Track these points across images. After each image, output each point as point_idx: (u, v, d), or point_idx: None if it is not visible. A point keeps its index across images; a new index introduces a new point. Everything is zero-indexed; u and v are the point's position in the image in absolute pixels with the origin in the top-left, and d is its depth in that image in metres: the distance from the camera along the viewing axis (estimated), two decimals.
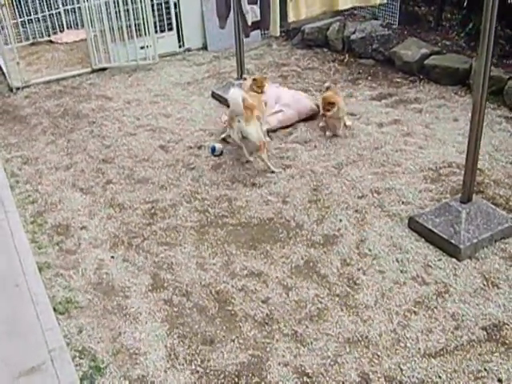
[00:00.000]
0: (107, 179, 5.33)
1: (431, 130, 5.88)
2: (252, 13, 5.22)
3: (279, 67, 7.93)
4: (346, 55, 8.16)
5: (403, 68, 7.39)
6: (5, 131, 6.46)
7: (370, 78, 7.40)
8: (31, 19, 9.30)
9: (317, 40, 8.63)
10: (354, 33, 8.21)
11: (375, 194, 4.85)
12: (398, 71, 7.42)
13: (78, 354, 3.35)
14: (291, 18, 4.97)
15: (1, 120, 6.77)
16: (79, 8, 8.45)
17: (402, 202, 4.73)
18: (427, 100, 6.60)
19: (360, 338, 3.45)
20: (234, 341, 3.44)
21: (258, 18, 5.26)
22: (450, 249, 4.11)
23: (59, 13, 9.48)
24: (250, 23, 5.30)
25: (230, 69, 7.85)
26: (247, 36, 5.70)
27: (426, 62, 7.14)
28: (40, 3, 9.24)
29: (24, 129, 6.50)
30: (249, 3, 5.34)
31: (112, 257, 4.24)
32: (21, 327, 3.42)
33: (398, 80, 7.24)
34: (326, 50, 8.45)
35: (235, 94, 5.01)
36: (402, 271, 3.98)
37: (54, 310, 3.65)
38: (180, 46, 8.56)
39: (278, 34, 5.34)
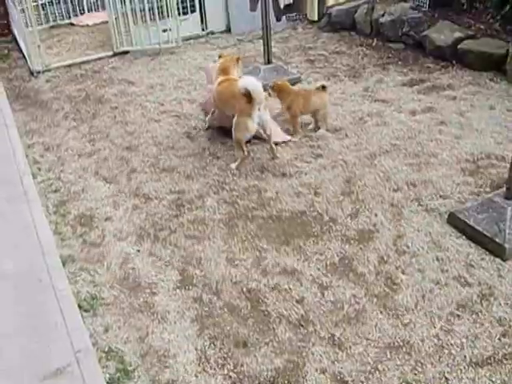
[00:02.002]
0: (131, 168, 5.15)
1: (466, 119, 5.61)
2: None
3: (305, 51, 7.66)
4: (375, 39, 7.86)
5: (435, 53, 7.08)
6: (26, 116, 6.31)
7: (400, 62, 7.12)
8: (52, 1, 9.13)
9: (344, 23, 8.32)
10: (382, 15, 7.89)
11: (411, 187, 4.61)
12: (429, 56, 7.13)
13: (104, 356, 3.19)
14: (330, 1, 4.70)
15: (22, 105, 6.63)
16: None
17: (440, 196, 4.48)
18: (461, 86, 6.30)
19: (401, 344, 3.24)
20: (268, 344, 3.26)
21: (291, 1, 4.97)
22: (493, 248, 3.86)
23: None
24: (282, 6, 5.02)
25: (254, 52, 7.60)
26: (279, 20, 5.44)
27: (459, 46, 6.83)
28: None
29: (45, 114, 6.34)
30: None
31: (138, 250, 4.07)
32: (45, 326, 3.27)
33: (430, 65, 6.94)
34: (353, 33, 8.15)
35: (255, 82, 4.72)
36: (442, 270, 3.76)
37: (79, 307, 3.49)
38: (203, 29, 8.34)
39: (317, 19, 5.07)
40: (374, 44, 7.74)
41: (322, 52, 7.58)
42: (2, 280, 3.63)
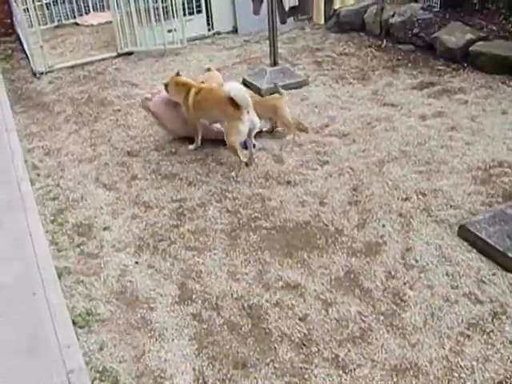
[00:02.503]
0: (132, 174, 5.03)
1: (478, 124, 5.43)
2: None
3: (313, 52, 7.50)
4: (384, 40, 7.70)
5: (446, 55, 6.90)
6: (27, 119, 6.21)
7: (409, 65, 6.94)
8: (56, 1, 9.03)
9: (353, 23, 8.15)
10: (392, 16, 7.72)
11: (420, 196, 4.45)
12: (440, 58, 6.96)
13: (98, 376, 3.05)
14: (337, 3, 4.55)
15: (23, 107, 6.53)
16: None
17: (450, 206, 4.32)
18: (472, 90, 6.12)
19: (409, 366, 3.09)
20: (268, 365, 3.11)
21: (296, 4, 4.82)
22: (505, 262, 3.69)
23: None
24: (287, 9, 4.86)
25: (261, 53, 7.45)
26: (283, 22, 5.28)
27: (471, 48, 6.65)
28: None
29: (47, 117, 6.24)
30: None
31: (136, 262, 3.93)
32: (37, 343, 3.15)
33: (440, 68, 6.76)
34: (362, 34, 7.99)
35: (238, 86, 4.73)
36: (452, 287, 3.59)
37: (74, 323, 3.37)
38: (209, 30, 8.19)
39: (323, 22, 4.92)
40: (383, 45, 7.57)
41: (329, 53, 7.41)
42: None
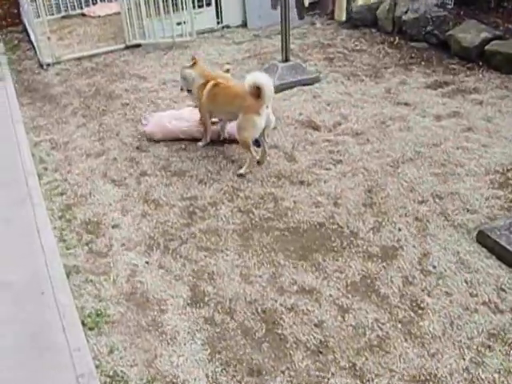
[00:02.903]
0: (141, 170, 4.91)
1: (495, 125, 5.31)
2: None
3: (324, 48, 7.37)
4: (397, 37, 7.56)
5: (460, 53, 6.77)
6: (34, 111, 6.09)
7: (423, 63, 6.81)
8: None
9: (365, 19, 8.00)
10: (405, 13, 7.58)
11: (437, 199, 4.34)
12: (454, 56, 6.83)
13: (108, 381, 2.96)
14: (360, 1, 4.40)
15: (30, 99, 6.41)
16: None
17: (468, 210, 4.21)
18: (487, 90, 6.00)
19: (428, 377, 2.99)
20: (283, 372, 3.02)
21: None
22: None
23: None
24: (307, 4, 4.71)
25: (272, 49, 7.32)
26: (302, 18, 5.13)
27: (486, 47, 6.51)
28: None
29: (54, 109, 6.12)
30: None
31: (146, 262, 3.83)
32: (46, 345, 3.05)
33: (455, 66, 6.63)
34: (374, 30, 7.85)
35: (266, 77, 4.49)
36: (471, 294, 3.49)
37: (83, 324, 3.27)
38: (218, 23, 8.06)
39: (344, 20, 4.78)
40: (395, 42, 7.43)
41: (341, 49, 7.28)
42: (2, 291, 3.41)
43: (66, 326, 3.14)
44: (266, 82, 4.43)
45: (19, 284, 3.49)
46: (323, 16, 7.84)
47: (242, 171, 4.74)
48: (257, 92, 4.44)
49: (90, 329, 3.27)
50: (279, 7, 5.64)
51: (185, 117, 5.37)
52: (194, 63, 5.01)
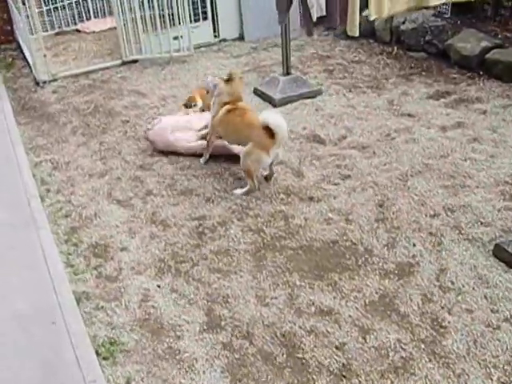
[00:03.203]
0: (147, 189, 4.81)
1: (500, 136, 5.27)
2: (318, 7, 4.57)
3: (323, 60, 7.33)
4: (395, 47, 7.54)
5: (460, 62, 6.75)
6: (32, 131, 5.97)
7: (423, 73, 6.79)
8: (57, 7, 8.78)
9: (362, 30, 7.96)
10: (403, 23, 7.56)
11: (449, 213, 4.27)
12: (454, 66, 6.80)
13: None
14: (373, 15, 4.36)
15: (28, 118, 6.29)
16: None
17: (481, 223, 4.14)
18: (490, 99, 5.97)
19: None
20: None
21: (324, 14, 4.62)
22: None
23: (86, 0, 8.93)
24: (315, 19, 4.66)
25: (270, 61, 7.27)
26: (310, 34, 5.09)
27: (487, 56, 6.50)
28: None
29: (52, 128, 6.00)
30: None
31: (158, 286, 3.72)
32: (60, 378, 2.92)
33: (455, 76, 6.61)
34: (372, 41, 7.83)
35: (281, 120, 4.42)
36: (492, 311, 3.41)
37: (97, 353, 3.15)
38: (215, 36, 7.99)
39: (358, 35, 4.74)
40: (394, 52, 7.41)
41: (340, 61, 7.24)
42: (12, 322, 3.29)
43: (80, 357, 3.01)
44: (281, 125, 4.36)
45: (28, 314, 3.37)
46: (333, 29, 7.80)
47: (238, 192, 4.64)
48: (270, 131, 4.36)
49: (105, 358, 3.15)
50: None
51: (192, 125, 5.28)
52: (230, 79, 4.81)
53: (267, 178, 4.78)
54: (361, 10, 4.62)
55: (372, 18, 4.62)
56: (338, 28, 7.80)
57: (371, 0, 4.37)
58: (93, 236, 4.25)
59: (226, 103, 4.75)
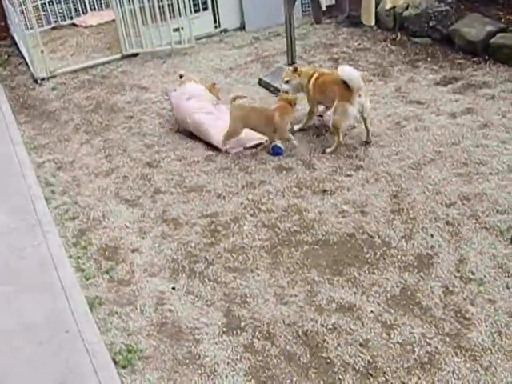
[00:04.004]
0: (155, 187, 4.70)
1: (510, 120, 5.17)
2: None
3: (327, 48, 7.19)
4: (399, 33, 7.40)
5: (465, 47, 6.63)
6: (33, 130, 5.84)
7: (429, 59, 6.66)
8: (52, 1, 8.60)
9: None
10: (406, 9, 7.41)
11: (465, 201, 4.19)
12: (459, 51, 6.68)
13: None
14: (388, 4, 4.23)
15: (27, 116, 6.16)
16: None
17: (497, 211, 4.06)
18: (497, 84, 5.86)
19: None
20: None
21: (333, 3, 4.49)
22: None
23: None
24: (324, 8, 4.53)
25: (273, 51, 7.14)
26: (319, 22, 4.98)
27: (492, 40, 6.37)
28: None
29: (54, 127, 5.88)
30: None
31: (173, 288, 3.62)
32: None
33: (461, 61, 6.49)
34: (375, 28, 7.66)
35: (352, 71, 4.87)
36: None
37: (114, 361, 3.06)
38: (216, 27, 7.83)
39: (373, 24, 4.62)
40: (398, 39, 7.27)
41: (344, 49, 7.10)
42: (25, 334, 3.18)
43: (97, 366, 2.92)
44: (352, 77, 4.80)
45: (41, 324, 3.27)
46: (342, 18, 7.65)
47: (328, 150, 4.98)
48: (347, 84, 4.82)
49: (123, 367, 3.06)
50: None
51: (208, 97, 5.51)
52: (296, 69, 5.31)
53: (367, 142, 5.06)
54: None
55: (388, 7, 4.50)
56: (345, 17, 7.71)
57: None
58: (102, 238, 4.16)
59: (310, 76, 5.20)
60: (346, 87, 4.78)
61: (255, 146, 5.15)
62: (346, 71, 4.84)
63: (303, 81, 5.25)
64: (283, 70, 5.55)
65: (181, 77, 5.77)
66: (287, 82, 5.30)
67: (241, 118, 4.98)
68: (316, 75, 5.21)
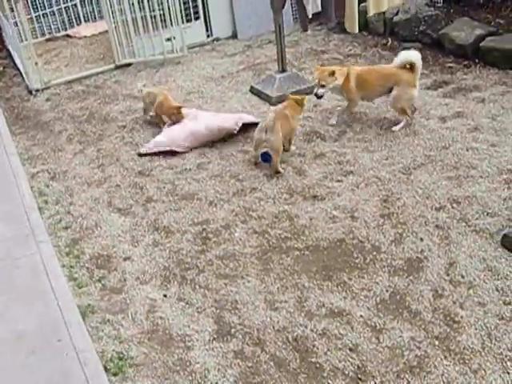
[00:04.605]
0: (147, 196, 4.74)
1: (500, 123, 5.22)
2: (313, 3, 4.49)
3: (318, 55, 7.26)
4: (389, 39, 7.47)
5: (455, 51, 6.69)
6: (27, 140, 5.88)
7: None
8: (46, 13, 8.67)
9: None
10: (396, 14, 7.49)
11: (454, 205, 4.22)
12: (450, 55, 6.74)
13: None
14: (371, 10, 4.28)
15: (22, 127, 6.20)
16: None
17: (487, 214, 4.09)
18: (487, 87, 5.91)
19: None
20: None
21: (319, 10, 4.54)
22: None
23: (75, 5, 8.83)
24: (310, 15, 4.58)
25: (265, 59, 7.19)
26: (306, 30, 5.02)
27: (481, 44, 6.43)
28: None
29: (48, 137, 5.91)
30: None
31: (165, 295, 3.64)
32: None
33: (451, 65, 6.55)
34: (365, 33, 7.74)
35: (418, 54, 5.25)
36: (504, 303, 3.36)
37: (105, 369, 3.08)
38: (208, 36, 7.90)
39: (357, 31, 4.68)
40: (388, 44, 7.34)
41: (335, 55, 7.17)
42: (18, 342, 3.20)
43: (89, 374, 2.93)
44: (418, 57, 5.19)
45: (33, 333, 3.28)
46: (333, 25, 7.71)
47: (396, 128, 5.31)
48: (410, 68, 5.18)
49: (114, 374, 3.08)
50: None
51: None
52: (333, 72, 5.32)
53: (413, 111, 5.45)
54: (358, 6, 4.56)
55: (371, 14, 4.55)
56: (334, 23, 7.78)
57: None
58: (95, 247, 4.18)
59: (347, 75, 5.34)
60: (406, 73, 5.16)
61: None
62: (411, 54, 5.20)
63: (339, 81, 5.34)
64: (316, 71, 5.55)
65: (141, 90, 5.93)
66: (323, 85, 5.31)
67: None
68: (356, 73, 5.37)
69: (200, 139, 5.34)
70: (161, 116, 5.70)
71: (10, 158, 5.44)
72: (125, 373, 3.10)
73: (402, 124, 5.34)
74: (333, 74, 5.27)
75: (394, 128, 5.32)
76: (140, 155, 5.34)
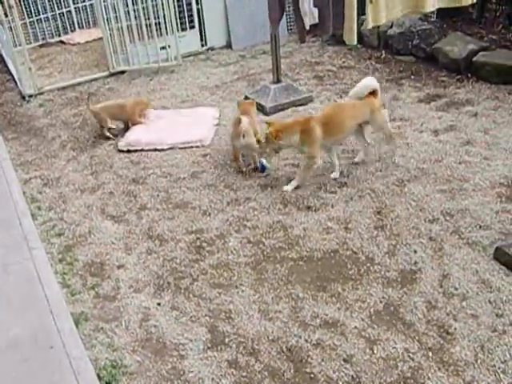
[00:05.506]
0: (141, 204, 4.72)
1: (492, 137, 5.27)
2: (310, 15, 4.53)
3: (312, 66, 7.31)
4: (383, 52, 7.55)
5: (448, 66, 6.77)
6: (20, 146, 5.84)
7: (412, 77, 6.79)
8: (40, 19, 8.67)
9: None
10: (390, 27, 7.58)
11: (448, 217, 4.25)
12: (443, 69, 6.83)
13: None
14: (370, 23, 4.32)
15: (15, 133, 6.17)
16: (91, 5, 7.82)
17: (480, 227, 4.12)
18: (480, 101, 5.99)
19: None
20: None
21: (317, 21, 4.58)
22: None
23: (69, 11, 8.83)
24: (308, 27, 4.62)
25: (259, 69, 7.22)
26: (303, 41, 5.05)
27: (474, 58, 6.52)
28: (49, 1, 8.57)
29: (41, 143, 5.89)
30: (314, 5, 4.59)
31: (158, 304, 3.62)
32: None
33: (444, 79, 6.62)
34: (359, 46, 7.81)
35: (370, 80, 4.98)
36: (497, 315, 3.38)
37: (99, 377, 3.05)
38: (203, 45, 7.93)
39: (356, 43, 4.71)
40: (382, 57, 7.42)
41: (329, 67, 7.22)
42: (8, 351, 3.16)
43: (82, 383, 2.90)
44: (373, 82, 4.94)
45: (26, 340, 3.24)
46: (328, 37, 7.77)
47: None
48: (370, 94, 4.87)
49: (107, 382, 3.04)
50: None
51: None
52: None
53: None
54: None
55: (369, 27, 4.60)
56: (329, 36, 7.85)
57: (368, 9, 4.33)
58: (88, 254, 4.16)
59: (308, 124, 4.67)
60: (371, 99, 4.83)
61: None
62: (371, 81, 4.94)
63: (292, 136, 4.62)
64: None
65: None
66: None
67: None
68: (315, 119, 4.69)
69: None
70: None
71: (2, 163, 5.41)
72: (118, 381, 3.07)
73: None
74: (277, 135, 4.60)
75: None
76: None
